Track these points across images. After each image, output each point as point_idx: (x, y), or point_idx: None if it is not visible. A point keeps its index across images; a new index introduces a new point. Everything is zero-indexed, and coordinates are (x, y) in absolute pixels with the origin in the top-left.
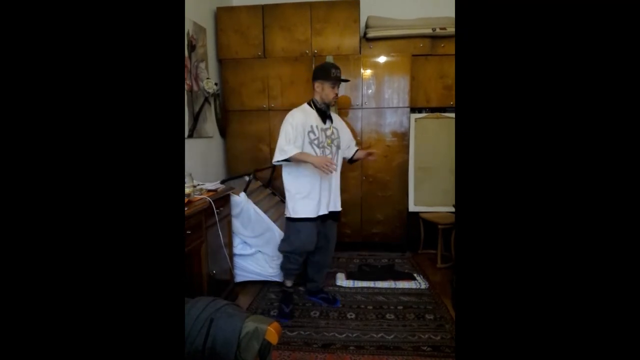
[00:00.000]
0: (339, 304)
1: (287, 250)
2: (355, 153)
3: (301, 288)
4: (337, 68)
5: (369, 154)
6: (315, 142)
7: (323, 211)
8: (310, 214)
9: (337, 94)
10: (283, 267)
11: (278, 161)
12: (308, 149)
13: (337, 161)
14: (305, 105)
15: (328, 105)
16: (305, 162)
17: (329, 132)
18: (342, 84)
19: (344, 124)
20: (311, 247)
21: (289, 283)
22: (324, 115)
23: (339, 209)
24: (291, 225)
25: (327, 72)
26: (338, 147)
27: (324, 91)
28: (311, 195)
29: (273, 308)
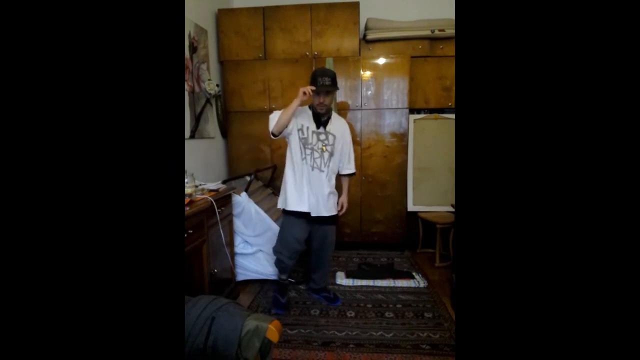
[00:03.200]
0: (340, 302)
1: (276, 249)
2: (343, 177)
3: (302, 287)
4: (326, 75)
5: (341, 208)
6: (303, 140)
7: (309, 209)
8: (299, 207)
9: (322, 102)
10: (276, 265)
11: (274, 134)
12: (296, 146)
13: (327, 167)
14: (307, 107)
15: (324, 111)
16: (293, 109)
17: (322, 137)
18: (342, 84)
19: (348, 137)
20: (298, 246)
21: (283, 276)
22: (319, 120)
23: (333, 212)
24: (284, 218)
25: (313, 81)
26: (331, 154)
27: (313, 99)
28: (297, 188)
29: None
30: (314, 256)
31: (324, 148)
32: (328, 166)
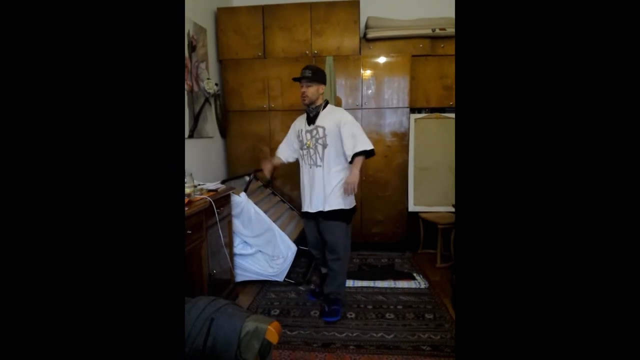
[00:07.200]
0: (335, 319)
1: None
2: (354, 158)
3: (301, 288)
4: (307, 69)
5: (346, 184)
6: (300, 144)
7: (309, 208)
8: (304, 208)
9: (304, 92)
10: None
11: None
12: (299, 152)
13: (322, 159)
14: (304, 112)
15: (311, 106)
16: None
17: (313, 132)
18: (342, 83)
19: (342, 124)
20: (311, 242)
21: (323, 270)
22: (310, 118)
23: (330, 208)
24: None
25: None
26: (324, 146)
27: None
28: (303, 191)
29: (273, 308)
30: (320, 255)
31: (309, 143)
32: (324, 159)
